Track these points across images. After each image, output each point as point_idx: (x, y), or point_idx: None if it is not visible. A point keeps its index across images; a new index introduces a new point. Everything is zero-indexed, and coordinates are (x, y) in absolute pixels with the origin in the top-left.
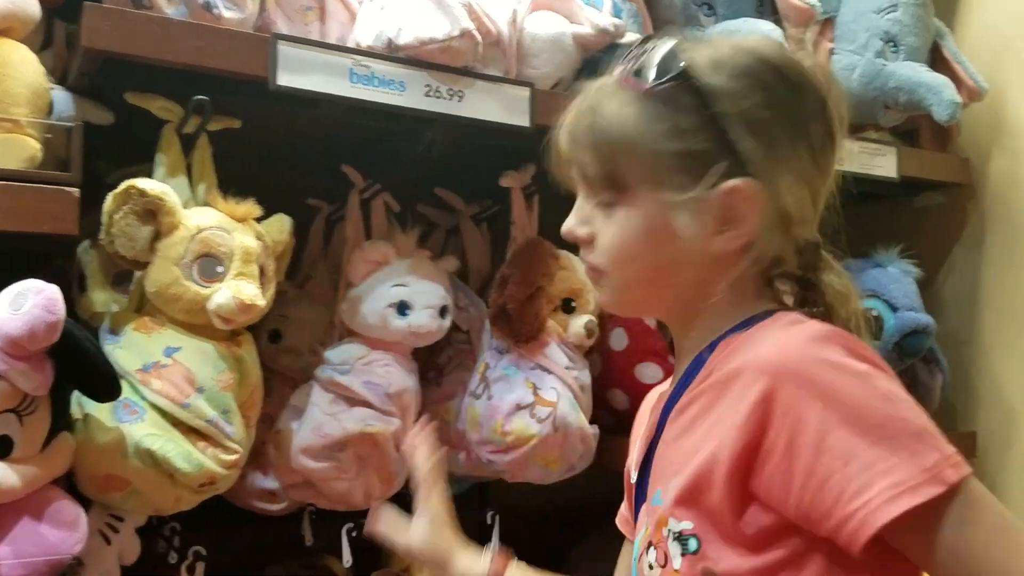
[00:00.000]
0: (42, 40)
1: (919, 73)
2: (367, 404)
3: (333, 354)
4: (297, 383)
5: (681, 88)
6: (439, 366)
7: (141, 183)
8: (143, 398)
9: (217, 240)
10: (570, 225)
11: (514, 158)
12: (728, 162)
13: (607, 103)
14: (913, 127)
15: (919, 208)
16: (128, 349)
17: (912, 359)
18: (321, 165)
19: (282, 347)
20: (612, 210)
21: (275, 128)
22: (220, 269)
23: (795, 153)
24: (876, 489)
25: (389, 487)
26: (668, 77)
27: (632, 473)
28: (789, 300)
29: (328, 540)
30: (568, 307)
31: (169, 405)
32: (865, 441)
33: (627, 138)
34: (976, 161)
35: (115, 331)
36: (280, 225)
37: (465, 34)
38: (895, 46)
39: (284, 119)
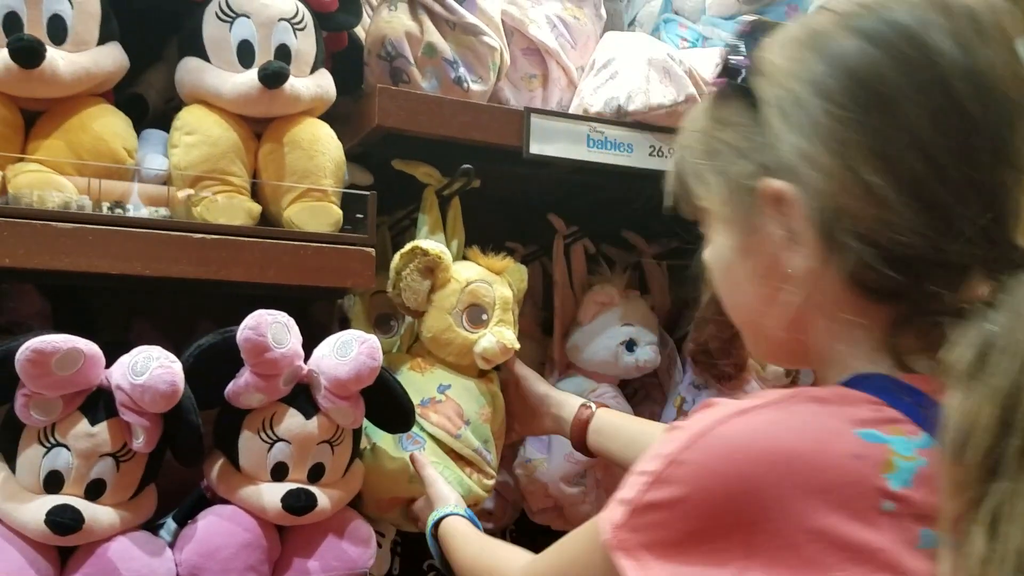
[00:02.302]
0: None
1: None
2: None
3: (567, 387)
4: None
5: (735, 80)
6: (626, 397)
7: (424, 244)
8: (423, 429)
9: (482, 292)
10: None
11: None
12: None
13: None
14: None
15: None
16: (406, 387)
17: None
18: (521, 212)
19: None
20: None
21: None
22: (485, 317)
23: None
24: None
25: None
26: (722, 68)
27: None
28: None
29: None
30: None
31: (445, 436)
32: None
33: (684, 144)
34: None
35: (392, 370)
36: (520, 274)
37: (689, 99)
38: None
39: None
